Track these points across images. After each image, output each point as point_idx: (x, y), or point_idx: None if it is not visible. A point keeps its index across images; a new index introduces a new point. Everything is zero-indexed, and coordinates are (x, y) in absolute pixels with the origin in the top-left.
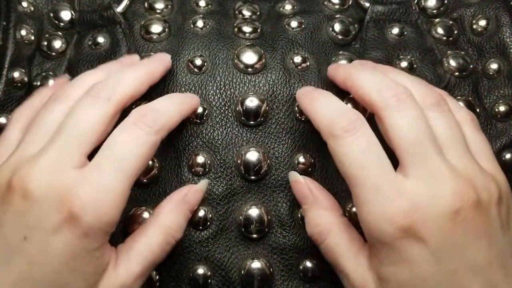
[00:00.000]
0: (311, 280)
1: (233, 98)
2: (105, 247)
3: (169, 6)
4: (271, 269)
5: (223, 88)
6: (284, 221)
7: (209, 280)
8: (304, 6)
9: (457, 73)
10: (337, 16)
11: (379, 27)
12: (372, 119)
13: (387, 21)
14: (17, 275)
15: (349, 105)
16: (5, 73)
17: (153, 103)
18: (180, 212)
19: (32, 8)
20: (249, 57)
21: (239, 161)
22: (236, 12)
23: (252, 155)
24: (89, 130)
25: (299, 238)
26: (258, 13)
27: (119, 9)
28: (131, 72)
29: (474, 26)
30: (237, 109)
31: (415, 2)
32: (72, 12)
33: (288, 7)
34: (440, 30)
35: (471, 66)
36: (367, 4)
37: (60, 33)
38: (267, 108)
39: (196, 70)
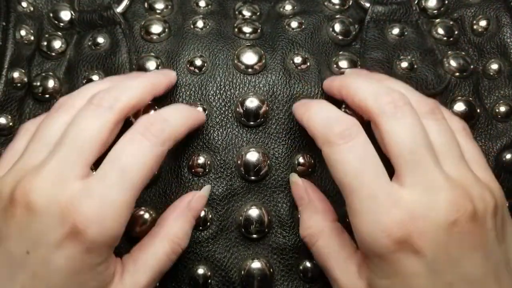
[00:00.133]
0: (311, 280)
1: (233, 98)
2: (109, 260)
3: (169, 7)
4: (271, 269)
5: (223, 89)
6: (284, 222)
7: (209, 280)
8: (304, 7)
9: (457, 74)
10: (337, 16)
11: (380, 27)
12: (368, 126)
13: (387, 21)
14: None
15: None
16: (4, 73)
17: (161, 113)
18: (185, 219)
19: (32, 8)
20: (249, 57)
21: (239, 162)
22: (236, 12)
23: (252, 156)
24: (91, 140)
25: (299, 238)
26: (258, 14)
27: (119, 9)
28: (135, 82)
29: (475, 27)
30: (237, 109)
31: (416, 2)
32: (72, 12)
33: (288, 7)
34: (441, 31)
35: (472, 66)
36: (368, 5)
37: (60, 33)
38: (267, 108)
39: (196, 70)
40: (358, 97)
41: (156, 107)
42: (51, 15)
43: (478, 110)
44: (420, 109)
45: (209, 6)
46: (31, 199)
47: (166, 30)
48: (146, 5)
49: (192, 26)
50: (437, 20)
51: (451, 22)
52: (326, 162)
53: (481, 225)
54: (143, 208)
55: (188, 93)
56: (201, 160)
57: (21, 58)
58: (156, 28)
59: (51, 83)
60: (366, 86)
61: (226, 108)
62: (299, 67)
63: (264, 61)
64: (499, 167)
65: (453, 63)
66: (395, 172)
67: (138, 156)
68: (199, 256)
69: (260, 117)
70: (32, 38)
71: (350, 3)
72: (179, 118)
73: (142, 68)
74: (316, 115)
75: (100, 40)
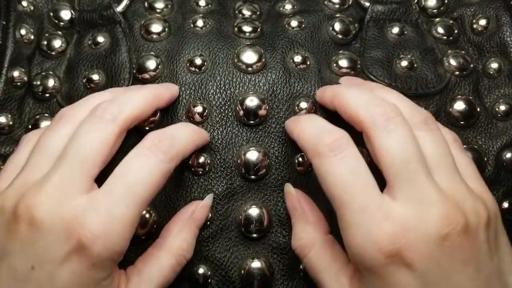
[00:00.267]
0: (311, 280)
1: (233, 97)
2: (113, 274)
3: (169, 6)
4: (271, 269)
5: (223, 88)
6: (284, 221)
7: (209, 280)
8: (304, 6)
9: (457, 73)
10: (337, 15)
11: (379, 26)
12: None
13: (387, 20)
14: None
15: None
16: (4, 72)
17: (169, 129)
18: (189, 231)
19: (32, 8)
20: (249, 56)
21: (239, 161)
22: (236, 11)
23: (252, 155)
24: (95, 152)
25: None
26: (258, 13)
27: (119, 8)
28: (137, 93)
29: (475, 26)
30: (237, 108)
31: (415, 1)
32: (72, 12)
33: (288, 6)
34: (441, 30)
35: (472, 65)
36: (367, 4)
37: (60, 32)
38: (267, 107)
39: (196, 69)
40: (350, 108)
41: (158, 113)
42: (51, 14)
43: (478, 109)
44: (413, 119)
45: (209, 5)
46: (35, 215)
47: (166, 29)
48: (146, 4)
49: (192, 25)
50: (437, 19)
51: (451, 21)
52: (316, 174)
53: (474, 238)
54: None
55: (188, 92)
56: (201, 159)
57: (21, 57)
58: (156, 27)
59: (51, 82)
60: (357, 96)
61: (226, 107)
62: (299, 66)
63: (264, 60)
64: (499, 166)
65: (453, 62)
66: (386, 184)
67: (145, 171)
68: (199, 255)
69: (260, 116)
70: (32, 37)
71: (350, 2)
72: (186, 135)
73: (142, 67)
74: (306, 128)
75: (100, 39)
